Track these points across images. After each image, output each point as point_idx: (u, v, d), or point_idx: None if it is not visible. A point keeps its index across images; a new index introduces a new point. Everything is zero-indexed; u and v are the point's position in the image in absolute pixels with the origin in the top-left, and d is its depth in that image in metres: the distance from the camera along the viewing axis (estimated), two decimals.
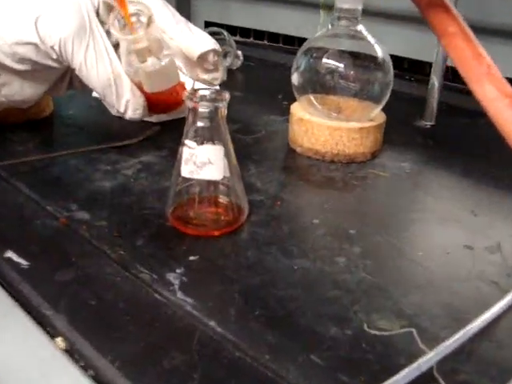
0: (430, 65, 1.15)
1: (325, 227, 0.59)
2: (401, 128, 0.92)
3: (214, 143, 0.53)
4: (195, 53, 0.69)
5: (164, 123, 0.87)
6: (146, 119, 0.85)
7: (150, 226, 0.58)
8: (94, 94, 0.88)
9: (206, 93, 0.53)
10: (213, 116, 0.53)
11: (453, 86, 1.07)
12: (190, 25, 0.72)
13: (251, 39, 1.59)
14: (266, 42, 1.56)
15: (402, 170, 0.76)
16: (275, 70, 1.33)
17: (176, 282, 0.48)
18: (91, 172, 0.70)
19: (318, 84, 0.79)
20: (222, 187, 0.57)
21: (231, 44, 1.26)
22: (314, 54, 0.79)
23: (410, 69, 1.20)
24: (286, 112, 0.91)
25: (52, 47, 0.63)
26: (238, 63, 1.31)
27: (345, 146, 0.76)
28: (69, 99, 0.98)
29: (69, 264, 0.50)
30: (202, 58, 0.70)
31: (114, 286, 0.47)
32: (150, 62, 0.65)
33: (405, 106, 1.03)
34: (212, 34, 1.28)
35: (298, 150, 0.79)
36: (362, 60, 0.78)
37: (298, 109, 0.81)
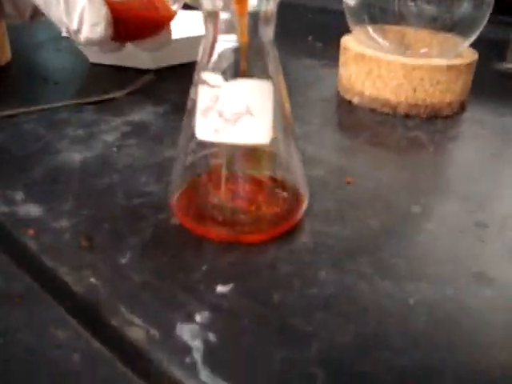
0: None
1: (434, 218, 0.36)
2: (481, 73, 0.67)
3: (254, 77, 0.29)
4: None
5: (162, 70, 0.62)
6: (137, 66, 0.61)
7: (143, 226, 0.34)
8: (64, 34, 0.64)
9: None
10: (251, 27, 0.29)
11: None
12: None
13: None
14: None
15: (508, 126, 0.52)
16: (296, 12, 1.08)
17: (196, 345, 0.25)
18: (54, 139, 0.46)
19: (383, 6, 0.54)
20: (266, 157, 0.32)
21: None
22: None
23: None
24: (324, 55, 0.69)
25: None
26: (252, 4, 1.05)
27: (426, 94, 0.52)
28: (33, 43, 0.73)
29: None
30: None
31: (68, 365, 0.23)
32: None
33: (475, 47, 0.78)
34: None
35: (356, 100, 0.55)
36: None
37: (352, 42, 0.56)
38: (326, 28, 0.88)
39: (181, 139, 0.33)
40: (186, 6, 0.61)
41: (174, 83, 0.59)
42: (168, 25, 0.49)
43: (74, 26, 0.44)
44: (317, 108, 0.54)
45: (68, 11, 0.43)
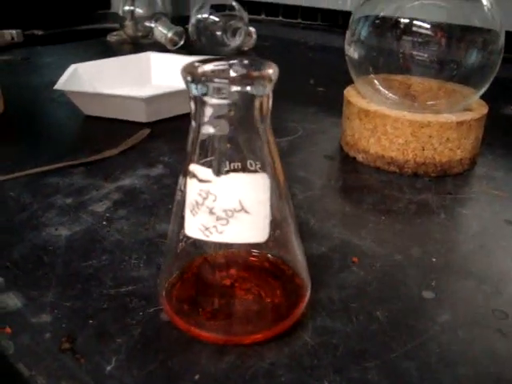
0: None
1: (447, 306, 0.33)
2: (489, 119, 0.64)
3: (247, 168, 0.26)
4: None
5: (157, 124, 0.60)
6: (131, 119, 0.58)
7: (131, 322, 0.31)
8: (58, 86, 0.62)
9: (225, 64, 0.26)
10: (244, 114, 0.26)
11: None
12: None
13: (263, 16, 1.32)
14: (281, 18, 1.28)
15: None
16: (296, 50, 1.07)
17: None
18: (41, 209, 0.43)
19: (388, 57, 0.52)
20: (264, 244, 0.30)
21: (242, 18, 0.99)
22: (382, 14, 0.52)
23: None
24: (326, 101, 0.66)
25: None
26: (251, 42, 1.03)
27: (435, 152, 0.49)
28: (27, 91, 0.71)
29: None
30: None
31: None
32: None
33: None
34: (217, 6, 1.02)
35: (361, 157, 0.52)
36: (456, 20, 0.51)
37: (356, 96, 0.54)
38: (327, 68, 0.86)
39: (171, 224, 0.30)
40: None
41: (168, 139, 0.56)
42: None
43: None
44: (319, 167, 0.52)
45: None
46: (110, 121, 0.61)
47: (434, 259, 0.37)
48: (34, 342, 0.30)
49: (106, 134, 0.58)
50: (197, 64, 0.26)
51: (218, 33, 0.98)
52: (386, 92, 0.53)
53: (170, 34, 1.01)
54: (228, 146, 0.27)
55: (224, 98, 0.25)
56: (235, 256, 0.32)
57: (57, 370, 0.28)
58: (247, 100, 0.26)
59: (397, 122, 0.49)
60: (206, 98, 0.25)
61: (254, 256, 0.32)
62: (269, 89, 0.26)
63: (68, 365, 0.28)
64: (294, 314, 0.30)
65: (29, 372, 0.28)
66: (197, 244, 0.31)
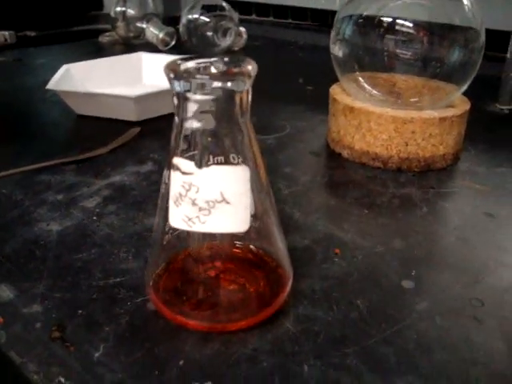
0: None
1: (426, 295, 0.34)
2: (473, 115, 0.65)
3: (230, 162, 0.27)
4: None
5: (147, 123, 0.61)
6: (122, 118, 0.59)
7: (119, 312, 0.32)
8: (50, 86, 0.63)
9: (207, 61, 0.27)
10: (225, 109, 0.27)
11: None
12: None
13: (254, 16, 1.33)
14: (271, 18, 1.30)
15: (502, 179, 0.50)
16: (286, 50, 1.08)
17: None
18: (32, 205, 0.44)
19: (372, 55, 0.53)
20: (247, 236, 0.31)
21: (233, 18, 1.00)
22: (365, 13, 0.53)
23: None
24: (314, 100, 0.67)
25: None
26: (242, 42, 1.05)
27: (418, 147, 0.50)
28: (20, 94, 0.72)
29: None
30: None
31: None
32: None
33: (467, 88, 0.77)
34: (208, 6, 1.03)
35: (346, 153, 0.53)
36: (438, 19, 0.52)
37: (341, 93, 0.55)
38: (316, 67, 0.87)
39: (157, 217, 0.32)
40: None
41: (157, 137, 0.57)
42: None
43: None
44: (305, 164, 0.53)
45: None
46: (101, 120, 0.62)
47: (415, 251, 0.39)
48: (25, 331, 0.31)
49: (97, 133, 0.59)
50: (179, 62, 0.27)
51: (209, 33, 0.99)
52: (371, 89, 0.54)
53: (161, 35, 1.02)
54: (209, 139, 0.28)
55: (205, 94, 0.26)
56: (220, 248, 0.33)
57: (47, 358, 0.29)
58: (228, 95, 0.27)
59: (380, 118, 0.50)
60: (189, 94, 0.26)
61: (237, 248, 0.33)
62: (248, 84, 0.27)
63: (58, 352, 0.29)
64: (276, 302, 0.31)
65: (20, 359, 0.29)
66: (182, 236, 0.32)
